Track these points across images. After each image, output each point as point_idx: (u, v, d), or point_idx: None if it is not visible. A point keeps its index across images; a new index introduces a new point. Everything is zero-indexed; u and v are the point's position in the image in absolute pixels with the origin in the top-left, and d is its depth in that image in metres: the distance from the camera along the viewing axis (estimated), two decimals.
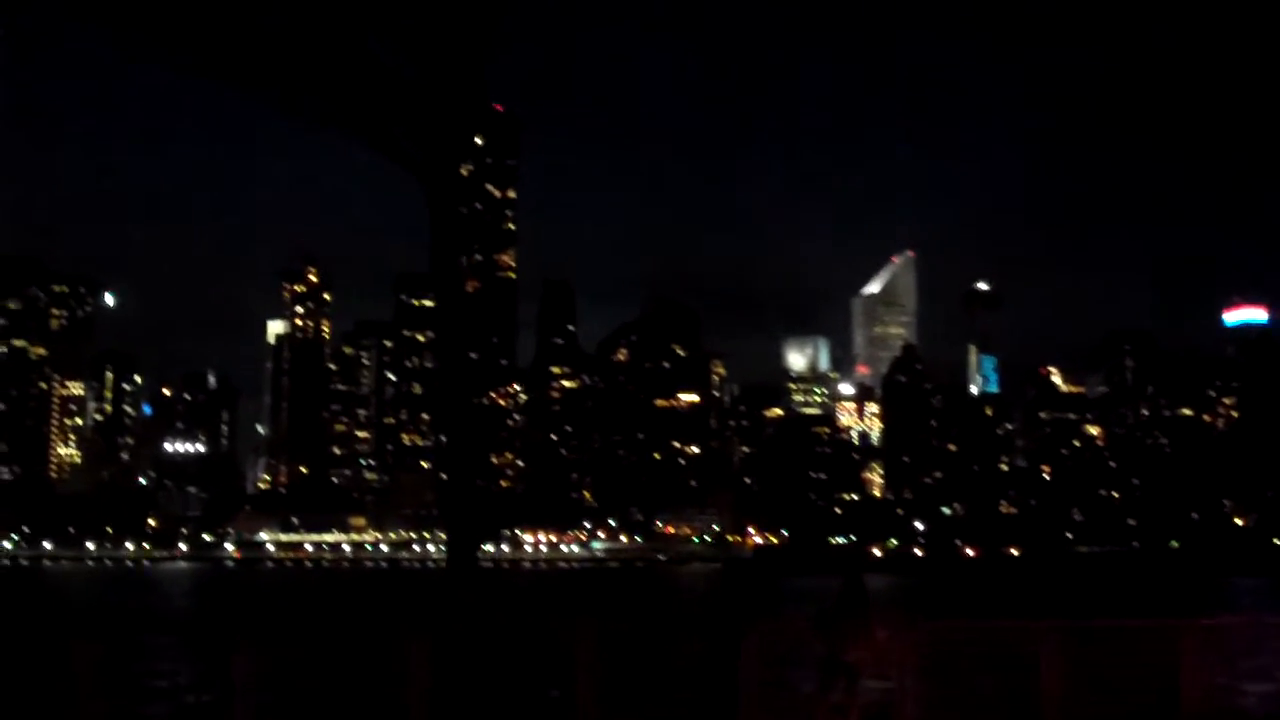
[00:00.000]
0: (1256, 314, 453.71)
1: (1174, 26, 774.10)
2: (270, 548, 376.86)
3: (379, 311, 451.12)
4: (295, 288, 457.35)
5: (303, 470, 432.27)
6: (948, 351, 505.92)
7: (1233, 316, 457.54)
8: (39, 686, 22.52)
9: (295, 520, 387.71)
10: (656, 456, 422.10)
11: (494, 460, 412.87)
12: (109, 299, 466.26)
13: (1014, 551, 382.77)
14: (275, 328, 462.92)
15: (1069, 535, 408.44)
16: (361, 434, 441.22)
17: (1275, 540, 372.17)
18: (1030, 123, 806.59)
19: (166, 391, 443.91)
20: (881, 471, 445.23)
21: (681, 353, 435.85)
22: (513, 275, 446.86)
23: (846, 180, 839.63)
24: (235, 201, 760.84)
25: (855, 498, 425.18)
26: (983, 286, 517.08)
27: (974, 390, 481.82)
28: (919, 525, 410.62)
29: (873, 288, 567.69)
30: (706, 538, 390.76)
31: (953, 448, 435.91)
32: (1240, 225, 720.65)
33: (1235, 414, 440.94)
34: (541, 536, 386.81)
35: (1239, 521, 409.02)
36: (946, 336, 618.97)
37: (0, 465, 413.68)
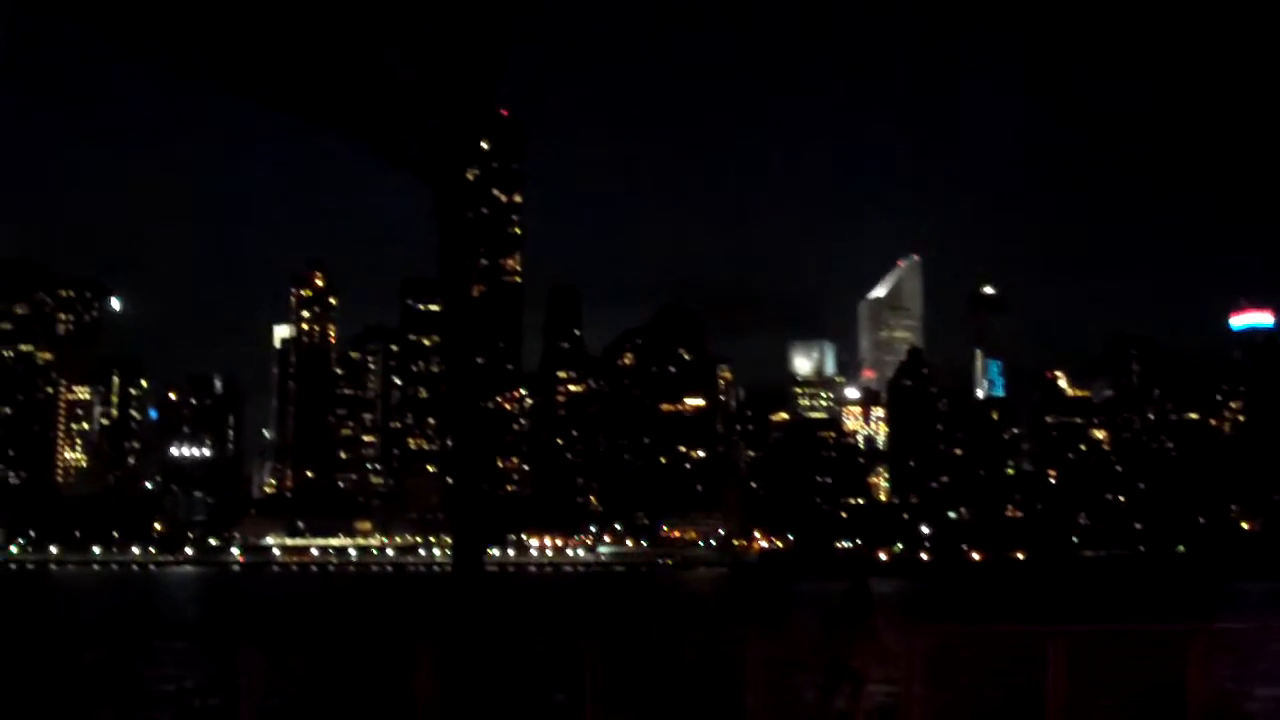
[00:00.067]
0: (1263, 318, 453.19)
1: (1176, 28, 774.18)
2: (276, 552, 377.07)
3: (385, 316, 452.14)
4: (301, 292, 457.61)
5: (309, 474, 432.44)
6: (953, 355, 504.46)
7: (1239, 320, 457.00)
8: (47, 691, 22.56)
9: (301, 524, 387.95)
10: (662, 461, 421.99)
11: (500, 464, 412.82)
12: (115, 304, 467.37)
13: (1020, 556, 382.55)
14: (281, 332, 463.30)
15: (1075, 539, 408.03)
16: (367, 438, 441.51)
17: None
18: (1036, 127, 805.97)
19: (172, 396, 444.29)
20: (887, 476, 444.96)
21: (687, 357, 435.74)
22: (518, 280, 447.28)
23: (852, 184, 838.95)
24: (242, 206, 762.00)
25: (861, 502, 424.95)
26: (989, 290, 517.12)
27: (980, 394, 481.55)
28: (925, 529, 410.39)
29: (878, 292, 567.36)
30: (712, 542, 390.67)
31: (958, 452, 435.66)
32: (1247, 229, 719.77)
33: (1241, 418, 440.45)
34: (547, 540, 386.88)
35: (1245, 525, 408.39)
36: (952, 341, 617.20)
37: (7, 470, 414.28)
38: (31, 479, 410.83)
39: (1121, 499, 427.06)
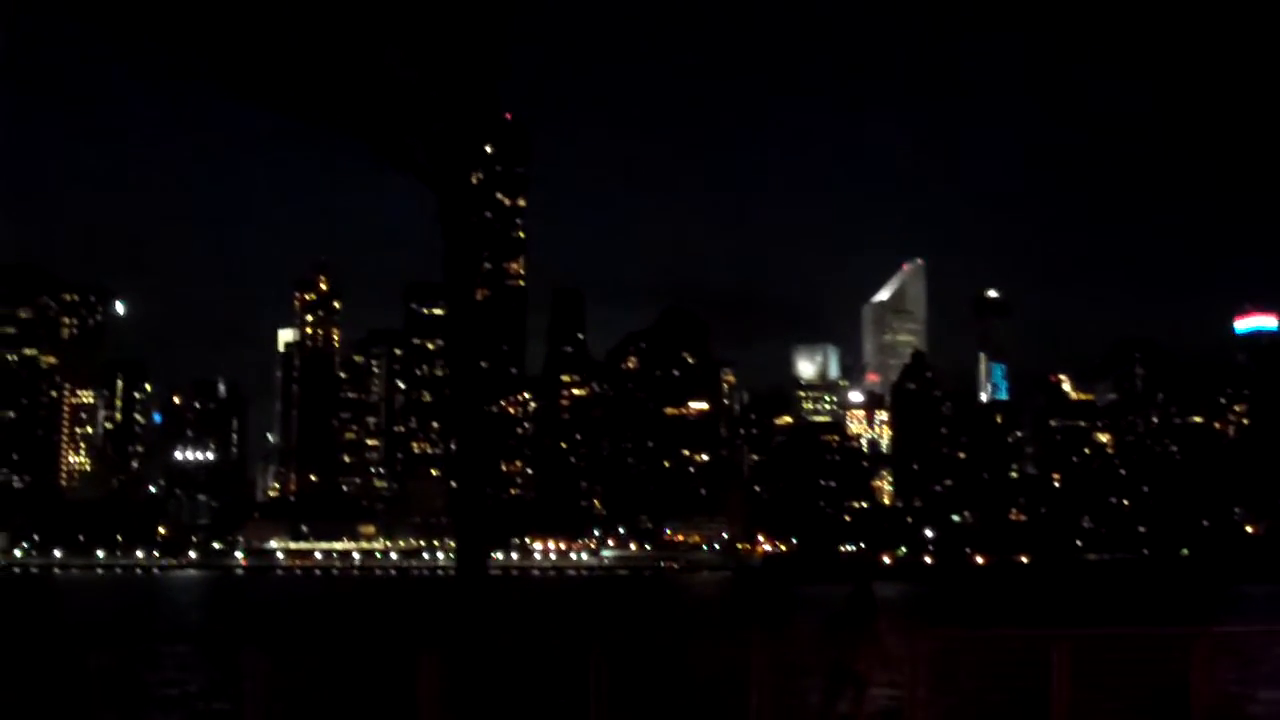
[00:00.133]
0: (1267, 321, 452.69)
1: (1176, 28, 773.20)
2: (280, 556, 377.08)
3: (389, 320, 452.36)
4: (306, 296, 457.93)
5: (312, 478, 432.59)
6: (957, 359, 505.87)
7: (1243, 324, 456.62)
8: (51, 695, 22.57)
9: (305, 528, 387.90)
10: (666, 464, 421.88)
11: (504, 468, 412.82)
12: (119, 307, 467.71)
13: (1024, 559, 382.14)
14: (285, 336, 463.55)
15: (1079, 543, 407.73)
16: (371, 442, 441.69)
17: None
18: (1036, 127, 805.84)
19: (176, 400, 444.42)
20: (891, 479, 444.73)
21: (691, 361, 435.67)
22: (522, 284, 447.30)
23: (853, 185, 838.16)
24: (246, 210, 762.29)
25: (865, 505, 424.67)
26: (992, 294, 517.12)
27: (983, 398, 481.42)
28: (928, 533, 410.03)
29: (882, 295, 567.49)
30: (716, 546, 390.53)
31: (962, 455, 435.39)
32: (1251, 232, 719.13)
33: (1246, 421, 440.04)
34: (551, 544, 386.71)
35: (1249, 529, 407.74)
36: (956, 344, 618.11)
37: (11, 473, 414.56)
38: (35, 483, 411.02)
39: (1125, 502, 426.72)
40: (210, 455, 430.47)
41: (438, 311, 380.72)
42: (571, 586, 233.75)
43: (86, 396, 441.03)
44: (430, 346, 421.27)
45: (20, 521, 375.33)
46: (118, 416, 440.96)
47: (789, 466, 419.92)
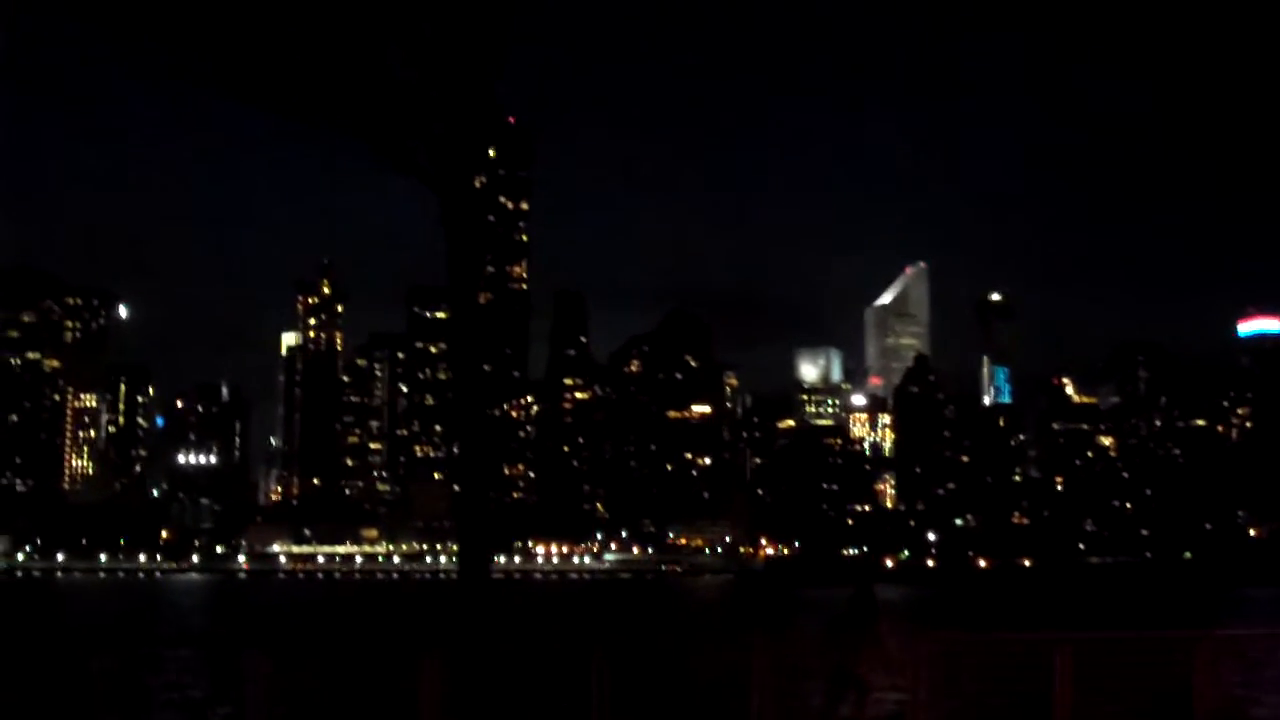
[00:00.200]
0: (1270, 324, 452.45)
1: (1176, 28, 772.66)
2: (282, 560, 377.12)
3: (392, 323, 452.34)
4: (308, 299, 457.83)
5: (315, 482, 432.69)
6: (960, 362, 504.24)
7: (1247, 327, 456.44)
8: (53, 699, 22.57)
9: (307, 532, 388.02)
10: (669, 468, 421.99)
11: (506, 472, 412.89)
12: (122, 311, 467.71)
13: (1026, 562, 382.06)
14: (288, 339, 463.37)
15: (1082, 546, 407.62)
16: (374, 445, 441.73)
17: None
18: (1040, 130, 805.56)
19: (179, 403, 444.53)
20: (894, 482, 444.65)
21: (694, 364, 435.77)
22: (525, 287, 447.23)
23: (853, 186, 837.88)
24: (247, 211, 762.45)
25: (867, 509, 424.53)
26: (995, 297, 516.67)
27: (986, 401, 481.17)
28: (931, 536, 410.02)
29: (885, 299, 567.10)
30: (718, 549, 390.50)
31: (965, 459, 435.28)
32: (1255, 234, 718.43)
33: (1249, 425, 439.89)
34: (553, 548, 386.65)
35: (1252, 532, 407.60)
36: (959, 347, 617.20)
37: (14, 477, 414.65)
38: (38, 486, 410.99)
39: (1128, 506, 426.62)
40: (213, 459, 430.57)
41: (441, 315, 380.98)
42: (574, 590, 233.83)
43: (89, 400, 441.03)
44: (433, 350, 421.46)
45: (23, 525, 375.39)
46: (120, 420, 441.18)
47: (791, 470, 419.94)
